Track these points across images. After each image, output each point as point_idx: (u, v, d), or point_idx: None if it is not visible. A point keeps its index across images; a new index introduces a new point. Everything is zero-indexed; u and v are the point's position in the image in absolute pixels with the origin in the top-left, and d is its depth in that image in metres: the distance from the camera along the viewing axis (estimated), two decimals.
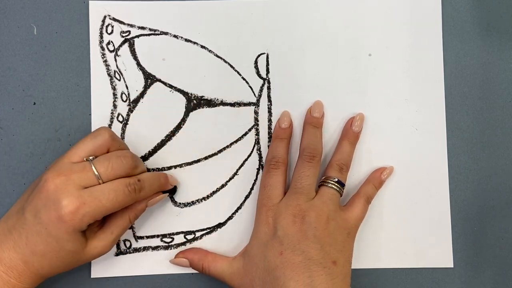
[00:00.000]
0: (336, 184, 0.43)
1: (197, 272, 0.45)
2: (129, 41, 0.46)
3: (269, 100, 0.47)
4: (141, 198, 0.41)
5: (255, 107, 0.47)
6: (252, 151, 0.46)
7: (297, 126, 0.46)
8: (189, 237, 0.46)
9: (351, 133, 0.45)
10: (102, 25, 0.46)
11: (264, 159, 0.46)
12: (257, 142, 0.46)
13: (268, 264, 0.40)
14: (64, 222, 0.37)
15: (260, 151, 0.46)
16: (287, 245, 0.40)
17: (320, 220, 0.41)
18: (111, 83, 0.46)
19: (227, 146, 0.46)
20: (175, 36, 0.47)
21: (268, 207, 0.42)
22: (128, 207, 0.41)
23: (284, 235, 0.40)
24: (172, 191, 0.45)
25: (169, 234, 0.46)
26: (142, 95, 0.46)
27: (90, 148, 0.40)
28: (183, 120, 0.46)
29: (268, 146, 0.46)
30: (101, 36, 0.46)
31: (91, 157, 0.39)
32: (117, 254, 0.46)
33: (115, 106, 0.46)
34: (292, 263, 0.39)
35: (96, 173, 0.38)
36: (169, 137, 0.46)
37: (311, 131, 0.45)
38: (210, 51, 0.47)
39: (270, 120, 0.46)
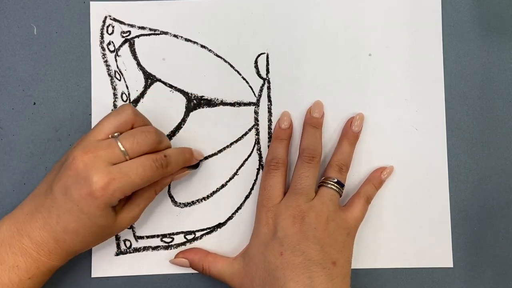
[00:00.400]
0: (335, 184, 0.43)
1: (197, 272, 0.45)
2: (130, 41, 0.46)
3: (269, 100, 0.47)
4: (168, 173, 0.41)
5: (255, 107, 0.47)
6: (252, 151, 0.46)
7: (297, 126, 0.46)
8: (189, 237, 0.46)
9: (350, 133, 0.45)
10: (103, 25, 0.46)
11: (264, 159, 0.46)
12: (257, 142, 0.46)
13: (268, 264, 0.40)
14: (95, 198, 0.37)
15: (260, 151, 0.46)
16: (287, 246, 0.40)
17: (319, 221, 0.41)
18: (112, 83, 0.46)
19: (227, 146, 0.46)
20: (175, 36, 0.47)
21: (268, 208, 0.43)
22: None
23: (284, 236, 0.41)
24: (195, 166, 0.45)
25: (169, 234, 0.46)
26: (142, 95, 0.46)
27: (115, 125, 0.40)
28: (183, 120, 0.46)
29: (268, 146, 0.46)
30: (102, 37, 0.46)
31: (116, 134, 0.40)
32: (117, 254, 0.46)
33: (115, 106, 0.46)
34: (292, 264, 0.40)
35: (123, 149, 0.39)
36: (169, 137, 0.46)
37: (311, 132, 0.45)
38: (210, 51, 0.47)
39: (270, 120, 0.47)
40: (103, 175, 0.37)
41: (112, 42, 0.46)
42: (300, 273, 0.39)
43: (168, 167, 0.40)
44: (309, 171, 0.43)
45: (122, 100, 0.46)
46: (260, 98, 0.47)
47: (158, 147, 0.41)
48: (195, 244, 0.46)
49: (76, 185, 0.37)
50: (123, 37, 0.46)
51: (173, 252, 0.46)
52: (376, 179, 0.46)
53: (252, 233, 0.44)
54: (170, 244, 0.46)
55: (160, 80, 0.46)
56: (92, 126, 0.46)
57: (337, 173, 0.44)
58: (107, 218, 0.39)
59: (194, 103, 0.46)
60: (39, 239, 0.38)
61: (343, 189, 0.44)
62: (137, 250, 0.46)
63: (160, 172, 0.40)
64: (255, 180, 0.46)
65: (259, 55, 0.47)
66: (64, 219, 0.38)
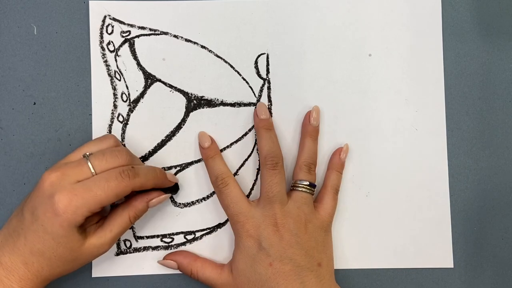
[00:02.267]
0: (306, 187, 0.43)
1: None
2: (129, 41, 0.46)
3: (269, 100, 0.47)
4: (137, 186, 0.39)
5: (255, 107, 0.47)
6: (252, 151, 0.46)
7: (296, 126, 0.46)
8: (189, 237, 0.46)
9: (311, 128, 0.45)
10: (102, 25, 0.46)
11: None
12: (257, 142, 0.46)
13: (260, 276, 0.41)
14: (58, 216, 0.37)
15: None
16: (274, 255, 0.41)
17: (299, 227, 0.41)
18: (111, 83, 0.46)
19: (227, 146, 0.46)
20: (175, 36, 0.47)
21: (242, 222, 0.42)
22: (128, 205, 0.41)
23: (269, 245, 0.41)
24: (174, 190, 0.45)
25: (169, 234, 0.46)
26: (142, 95, 0.46)
27: (92, 150, 0.40)
28: (183, 120, 0.46)
29: None
30: (101, 36, 0.46)
31: (87, 153, 0.40)
32: (117, 254, 0.46)
33: (115, 106, 0.46)
34: (283, 272, 0.40)
35: (90, 165, 0.38)
36: (169, 137, 0.46)
37: (266, 136, 0.44)
38: (210, 51, 0.47)
39: None
40: (66, 191, 0.37)
41: (112, 42, 0.46)
42: (292, 280, 0.40)
43: (135, 178, 0.39)
44: (276, 177, 0.43)
45: (122, 100, 0.46)
46: (260, 98, 0.47)
47: (129, 164, 0.40)
48: (195, 244, 0.46)
49: (41, 205, 0.37)
50: (123, 37, 0.46)
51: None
52: (337, 164, 0.45)
53: (234, 248, 0.43)
54: (170, 244, 0.46)
55: (160, 80, 0.46)
56: (93, 127, 0.46)
57: (306, 174, 0.44)
58: (72, 240, 0.38)
59: (194, 103, 0.46)
60: (9, 264, 0.38)
61: (314, 189, 0.44)
62: (137, 250, 0.46)
63: (126, 183, 0.38)
64: (255, 180, 0.46)
65: (259, 56, 0.47)
66: (30, 240, 0.37)
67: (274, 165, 0.43)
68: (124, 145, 0.45)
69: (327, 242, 0.43)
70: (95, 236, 0.40)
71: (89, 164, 0.38)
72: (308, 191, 0.43)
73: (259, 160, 0.46)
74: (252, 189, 0.46)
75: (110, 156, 0.39)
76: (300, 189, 0.43)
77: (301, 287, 0.40)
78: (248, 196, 0.46)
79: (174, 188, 0.45)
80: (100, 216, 0.42)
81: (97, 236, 0.40)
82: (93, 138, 0.46)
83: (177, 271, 0.45)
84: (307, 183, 0.43)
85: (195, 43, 0.47)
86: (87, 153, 0.40)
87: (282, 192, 0.43)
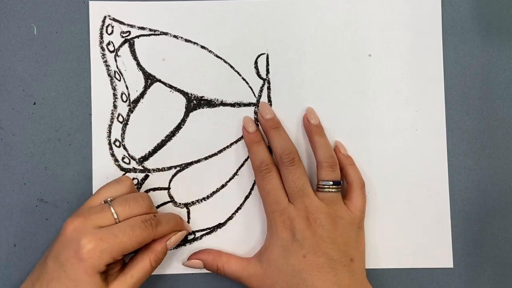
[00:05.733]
0: (332, 187, 0.43)
1: (197, 272, 0.45)
2: (129, 42, 0.46)
3: (269, 101, 0.47)
4: (158, 234, 0.40)
5: (255, 107, 0.47)
6: None
7: (297, 127, 0.46)
8: (189, 237, 0.46)
9: (314, 127, 0.45)
10: (102, 25, 0.46)
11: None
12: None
13: (293, 267, 0.41)
14: (82, 261, 0.36)
15: None
16: (308, 248, 0.41)
17: (330, 222, 0.42)
18: (111, 83, 0.46)
19: (227, 146, 0.46)
20: (175, 36, 0.47)
21: (280, 211, 0.42)
22: (147, 249, 0.41)
23: (303, 238, 0.41)
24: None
25: None
26: (142, 95, 0.46)
27: (112, 194, 0.41)
28: (183, 120, 0.46)
29: (268, 147, 0.46)
30: (101, 37, 0.46)
31: (109, 199, 0.40)
32: None
33: (115, 106, 0.46)
34: (317, 264, 0.40)
35: (114, 212, 0.39)
36: (169, 137, 0.46)
37: (276, 134, 0.44)
38: (210, 51, 0.47)
39: None
40: (91, 236, 0.37)
41: (112, 42, 0.46)
42: (326, 272, 0.40)
43: (158, 226, 0.40)
44: (297, 172, 0.43)
45: (122, 100, 0.46)
46: (260, 98, 0.47)
47: (150, 211, 0.41)
48: (195, 244, 0.46)
49: (64, 250, 0.37)
50: (122, 37, 0.46)
51: (173, 252, 0.46)
52: (348, 159, 0.46)
53: (267, 238, 0.43)
54: None
55: (160, 81, 0.46)
56: (93, 127, 0.46)
57: (329, 173, 0.44)
58: (95, 287, 0.37)
59: (194, 103, 0.46)
60: None
61: (341, 186, 0.44)
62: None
63: (149, 231, 0.39)
64: (255, 180, 0.46)
65: (259, 56, 0.47)
66: (52, 287, 0.37)
67: (291, 161, 0.43)
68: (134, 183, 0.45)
69: (360, 239, 0.43)
70: (116, 282, 0.39)
71: (112, 210, 0.39)
72: (335, 190, 0.43)
73: None
74: (252, 189, 0.46)
75: (133, 202, 0.40)
76: (326, 189, 0.43)
77: (335, 280, 0.40)
78: (248, 196, 0.46)
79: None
80: (120, 264, 0.41)
81: (119, 282, 0.39)
82: (93, 138, 0.46)
83: (177, 272, 0.45)
84: (331, 183, 0.43)
85: (195, 43, 0.47)
86: (109, 199, 0.40)
87: (306, 184, 0.43)
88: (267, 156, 0.44)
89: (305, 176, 0.43)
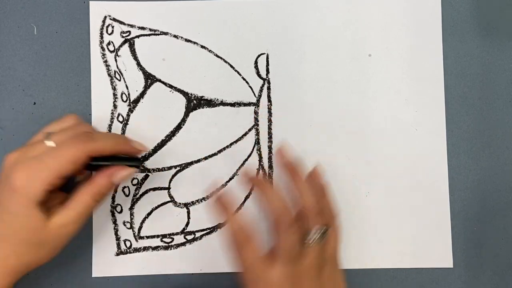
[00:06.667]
0: (317, 233, 0.39)
1: (197, 272, 0.45)
2: (129, 41, 0.46)
3: (269, 101, 0.47)
4: (92, 150, 0.38)
5: (255, 107, 0.47)
6: (252, 151, 0.47)
7: (297, 127, 0.46)
8: (189, 237, 0.46)
9: (290, 167, 0.42)
10: (103, 25, 0.46)
11: (264, 160, 0.46)
12: (257, 142, 0.46)
13: None
14: (16, 192, 0.36)
15: (260, 151, 0.46)
16: None
17: (316, 275, 0.38)
18: (111, 83, 0.46)
19: (227, 146, 0.46)
20: (175, 36, 0.47)
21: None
22: (89, 183, 0.39)
23: None
24: (139, 164, 0.42)
25: (169, 234, 0.46)
26: (142, 95, 0.46)
27: (55, 130, 0.40)
28: (183, 120, 0.46)
29: (268, 147, 0.46)
30: (102, 36, 0.46)
31: (48, 133, 0.39)
32: (117, 254, 0.46)
33: (115, 106, 0.46)
34: None
35: (50, 142, 0.38)
36: (169, 137, 0.46)
37: (268, 193, 0.39)
38: (210, 51, 0.47)
39: (270, 121, 0.47)
40: (21, 167, 0.36)
41: (112, 42, 0.46)
42: None
43: (90, 142, 0.38)
44: (293, 236, 0.38)
45: (122, 100, 0.46)
46: (260, 98, 0.47)
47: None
48: (195, 244, 0.46)
49: (2, 187, 0.37)
50: (123, 37, 0.46)
51: (173, 252, 0.46)
52: (320, 189, 0.42)
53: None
54: (170, 244, 0.46)
55: (160, 80, 0.46)
56: (92, 126, 0.46)
57: (313, 218, 0.39)
58: (34, 219, 0.37)
59: (194, 103, 0.46)
60: None
61: (325, 230, 0.39)
62: (137, 250, 0.46)
63: (78, 147, 0.37)
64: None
65: (259, 56, 0.47)
66: None
67: (288, 225, 0.38)
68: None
69: (340, 275, 0.41)
70: (58, 215, 0.38)
71: (49, 140, 0.38)
72: (320, 239, 0.39)
73: (258, 160, 0.46)
74: (252, 189, 0.46)
75: (71, 131, 0.39)
76: (312, 236, 0.39)
77: None
78: (248, 196, 0.46)
79: (139, 162, 0.42)
80: (62, 197, 0.40)
81: (60, 215, 0.38)
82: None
83: (177, 272, 0.45)
84: (317, 235, 0.39)
85: (195, 43, 0.47)
86: (49, 132, 0.39)
87: (297, 243, 0.38)
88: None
89: (299, 232, 0.39)
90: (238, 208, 0.46)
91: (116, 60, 0.46)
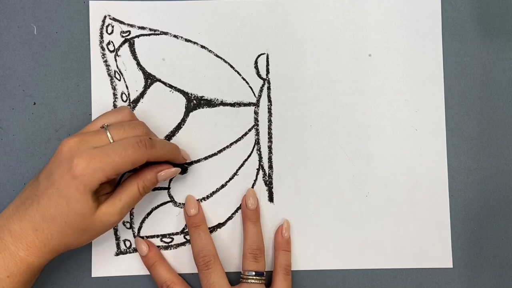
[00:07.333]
0: (254, 278, 0.43)
1: (196, 272, 0.45)
2: (129, 41, 0.46)
3: (269, 101, 0.47)
4: (152, 156, 0.40)
5: (255, 107, 0.47)
6: (252, 151, 0.47)
7: (297, 127, 0.46)
8: (189, 237, 0.46)
9: (249, 212, 0.45)
10: (102, 25, 0.46)
11: (264, 160, 0.46)
12: (257, 142, 0.46)
13: None
14: (75, 178, 0.37)
15: (260, 151, 0.46)
16: None
17: None
18: (111, 83, 0.46)
19: (227, 146, 0.46)
20: (175, 36, 0.47)
21: None
22: (138, 175, 0.41)
23: None
24: (183, 170, 0.45)
25: (169, 234, 0.46)
26: (142, 95, 0.46)
27: (110, 121, 0.41)
28: (183, 120, 0.46)
29: (268, 147, 0.46)
30: (101, 36, 0.46)
31: (106, 124, 0.40)
32: (117, 254, 0.46)
33: (115, 106, 0.46)
34: None
35: (109, 134, 0.39)
36: (169, 137, 0.46)
37: (195, 233, 0.44)
38: (210, 51, 0.47)
39: (270, 121, 0.47)
40: (85, 155, 0.37)
41: (112, 42, 0.46)
42: None
43: (152, 149, 0.39)
44: (212, 277, 0.43)
45: (122, 100, 0.46)
46: (260, 98, 0.47)
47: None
48: None
49: (58, 168, 0.38)
50: (123, 37, 0.46)
51: (173, 252, 0.46)
52: (282, 243, 0.45)
53: None
54: (170, 244, 0.46)
55: (160, 80, 0.46)
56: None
57: (253, 263, 0.43)
58: (85, 206, 0.38)
59: (194, 103, 0.46)
60: (18, 232, 0.38)
61: (263, 276, 0.43)
62: (137, 250, 0.46)
63: (142, 152, 0.39)
64: (255, 180, 0.46)
65: (259, 56, 0.47)
66: (43, 205, 0.37)
67: (206, 264, 0.43)
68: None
69: None
70: (106, 204, 0.39)
71: (108, 133, 0.39)
72: (257, 281, 0.43)
73: (258, 161, 0.46)
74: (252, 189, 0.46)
75: (128, 127, 0.40)
76: (249, 281, 0.43)
77: None
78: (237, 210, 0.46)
79: (184, 168, 0.44)
80: (111, 187, 0.42)
81: (108, 204, 0.39)
82: None
83: (178, 271, 0.45)
84: (253, 273, 0.43)
85: (195, 43, 0.47)
86: (106, 124, 0.40)
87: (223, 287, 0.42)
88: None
89: (222, 279, 0.43)
90: (238, 207, 0.46)
91: (116, 60, 0.46)
